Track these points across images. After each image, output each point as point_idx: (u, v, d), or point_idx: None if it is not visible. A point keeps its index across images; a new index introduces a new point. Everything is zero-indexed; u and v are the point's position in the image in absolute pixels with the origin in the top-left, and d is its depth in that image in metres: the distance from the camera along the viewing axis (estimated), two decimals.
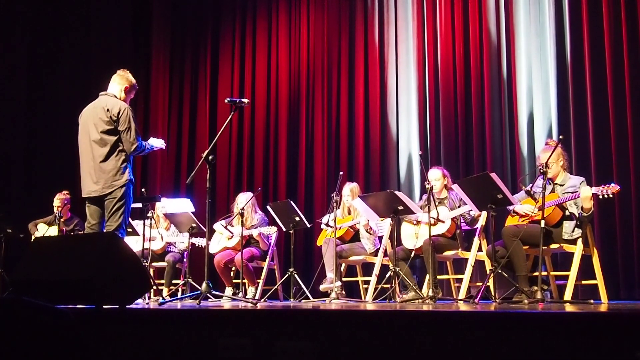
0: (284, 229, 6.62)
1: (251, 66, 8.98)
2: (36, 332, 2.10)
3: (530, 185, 5.11)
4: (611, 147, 6.22)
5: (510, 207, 5.20)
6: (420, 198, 6.60)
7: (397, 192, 5.51)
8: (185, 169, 9.09)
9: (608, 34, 6.35)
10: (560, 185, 5.14)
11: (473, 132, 7.15)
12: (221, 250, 6.96)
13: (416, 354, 2.61)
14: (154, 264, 7.22)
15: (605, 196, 4.76)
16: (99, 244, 3.75)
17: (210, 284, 4.50)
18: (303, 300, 6.19)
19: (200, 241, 6.96)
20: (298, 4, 8.72)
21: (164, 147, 5.34)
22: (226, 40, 9.23)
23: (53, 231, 7.27)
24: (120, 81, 5.15)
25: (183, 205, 7.27)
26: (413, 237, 5.78)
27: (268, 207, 6.67)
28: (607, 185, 4.78)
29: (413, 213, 5.54)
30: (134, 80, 5.24)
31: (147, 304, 5.30)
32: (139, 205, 6.16)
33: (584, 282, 5.48)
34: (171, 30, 9.61)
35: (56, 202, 7.47)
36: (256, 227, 6.85)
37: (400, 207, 5.41)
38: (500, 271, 4.69)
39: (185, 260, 7.20)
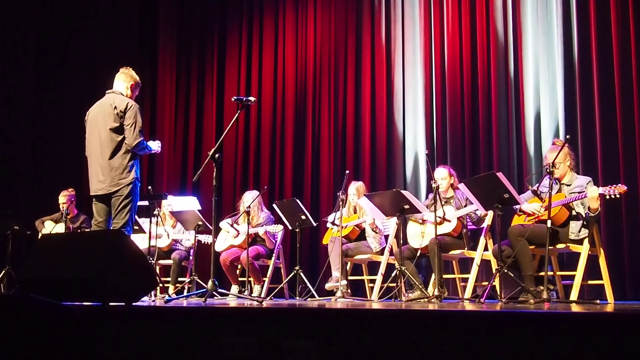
0: (290, 228, 6.63)
1: (258, 64, 8.99)
2: (42, 329, 2.10)
3: (537, 184, 5.10)
4: (618, 147, 6.20)
5: (517, 207, 5.19)
6: (427, 197, 6.59)
7: (403, 191, 5.51)
8: (192, 167, 9.10)
9: (616, 34, 6.32)
10: (567, 185, 5.12)
11: (480, 132, 7.13)
12: (227, 248, 6.97)
13: (421, 353, 2.61)
14: (160, 261, 7.24)
15: (612, 196, 4.75)
16: (105, 242, 3.76)
17: (216, 282, 4.51)
18: (309, 299, 6.19)
19: (206, 239, 6.97)
20: (305, 3, 8.72)
21: (159, 150, 5.36)
22: (233, 38, 9.24)
23: (60, 228, 7.29)
24: (125, 79, 5.19)
25: (189, 203, 7.29)
26: (419, 236, 5.77)
27: (274, 205, 6.67)
28: (614, 185, 4.76)
29: (419, 212, 5.54)
30: (137, 78, 5.28)
31: (153, 301, 5.31)
32: (146, 203, 6.18)
33: (590, 282, 5.47)
34: (178, 29, 9.63)
35: (61, 199, 7.50)
36: (262, 226, 6.86)
37: (406, 206, 5.41)
38: (506, 271, 4.68)
39: (191, 258, 7.22)
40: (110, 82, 5.25)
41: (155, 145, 5.26)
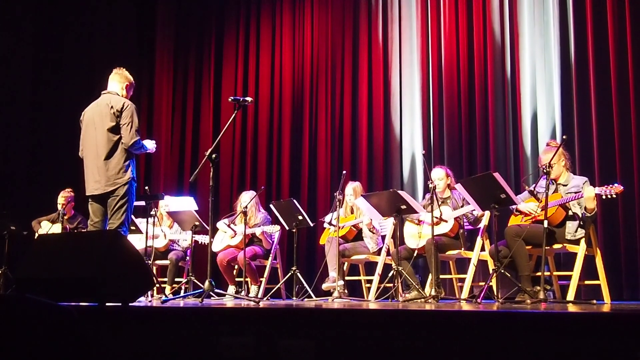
0: (287, 228, 6.62)
1: (255, 65, 8.99)
2: (39, 330, 2.10)
3: (534, 185, 5.11)
4: (615, 147, 6.21)
5: (513, 207, 5.20)
6: (423, 197, 6.59)
7: (400, 192, 5.51)
8: (189, 167, 9.10)
9: (612, 34, 6.33)
10: (564, 185, 5.13)
11: (476, 132, 7.14)
12: (224, 248, 6.96)
13: (418, 354, 2.61)
14: (157, 261, 7.23)
15: (609, 196, 4.75)
16: (102, 242, 3.76)
17: (212, 282, 4.51)
18: (305, 299, 6.18)
19: (203, 239, 6.97)
20: (302, 3, 8.72)
21: (154, 149, 5.35)
22: (230, 38, 9.23)
23: (56, 229, 7.28)
24: (120, 79, 5.18)
25: (186, 204, 7.27)
26: (416, 236, 5.78)
27: (271, 205, 6.67)
28: (611, 185, 4.77)
29: (416, 212, 5.54)
30: (132, 78, 5.28)
31: (150, 302, 5.31)
32: (143, 203, 6.16)
33: (586, 282, 5.47)
34: (175, 29, 9.63)
35: (60, 199, 7.49)
36: (259, 226, 6.85)
37: (403, 207, 5.41)
38: (502, 271, 4.69)
39: (188, 258, 7.21)
40: (108, 82, 5.24)
41: (150, 145, 5.26)
